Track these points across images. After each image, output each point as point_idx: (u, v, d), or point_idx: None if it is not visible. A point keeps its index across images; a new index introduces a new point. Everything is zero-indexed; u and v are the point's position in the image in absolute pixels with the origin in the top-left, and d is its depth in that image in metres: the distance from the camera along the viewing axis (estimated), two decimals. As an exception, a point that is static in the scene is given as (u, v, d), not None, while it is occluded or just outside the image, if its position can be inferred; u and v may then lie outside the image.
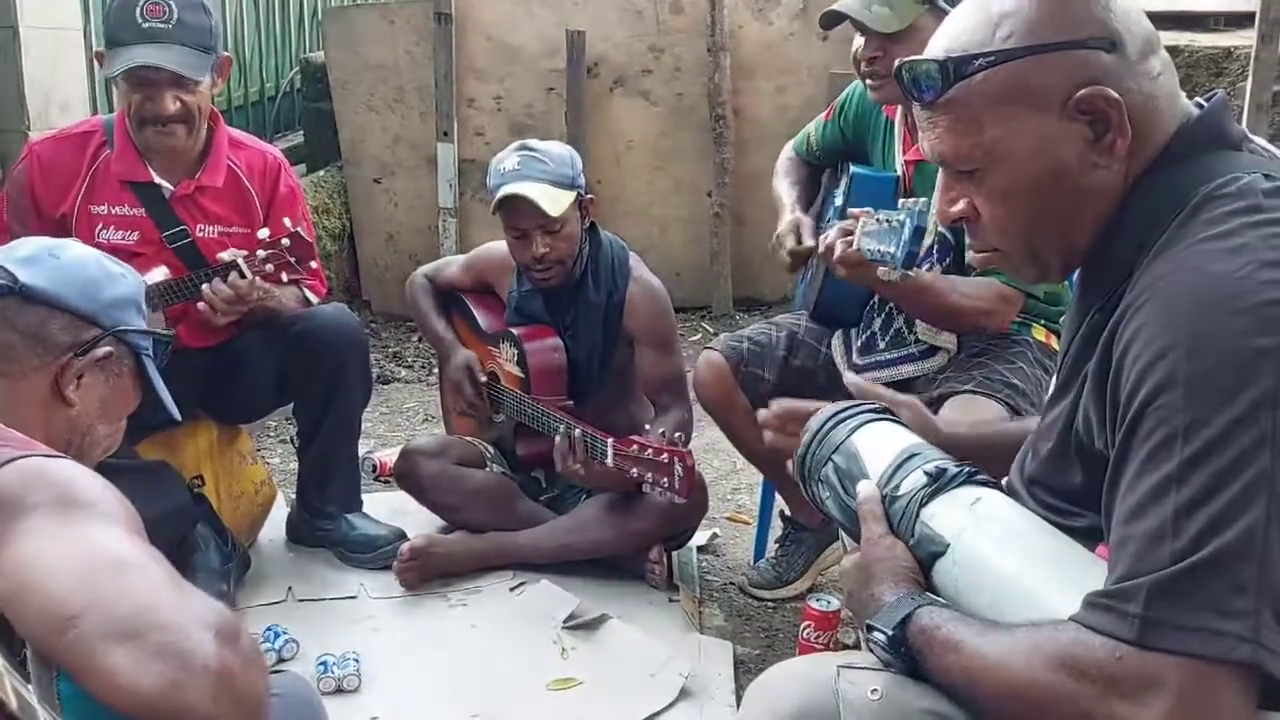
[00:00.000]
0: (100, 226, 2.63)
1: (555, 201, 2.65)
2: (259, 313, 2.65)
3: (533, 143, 2.77)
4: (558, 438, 2.61)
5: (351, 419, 2.88)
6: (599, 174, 4.92)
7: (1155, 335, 1.03)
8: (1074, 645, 1.01)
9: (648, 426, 2.58)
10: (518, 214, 2.68)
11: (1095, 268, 1.21)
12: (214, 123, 2.69)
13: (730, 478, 3.50)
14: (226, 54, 2.65)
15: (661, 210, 5.19)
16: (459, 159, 5.08)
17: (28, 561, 1.02)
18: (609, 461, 2.52)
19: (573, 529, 2.78)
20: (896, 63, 1.23)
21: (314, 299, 2.81)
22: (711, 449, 3.57)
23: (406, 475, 2.90)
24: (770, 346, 2.62)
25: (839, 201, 2.51)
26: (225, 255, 2.57)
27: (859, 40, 2.38)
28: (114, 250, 2.50)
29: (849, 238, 2.15)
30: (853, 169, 2.52)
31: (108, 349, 1.41)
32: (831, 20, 2.40)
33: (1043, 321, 2.43)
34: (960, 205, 1.24)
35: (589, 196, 2.80)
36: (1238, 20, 5.26)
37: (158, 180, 2.64)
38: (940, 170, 1.26)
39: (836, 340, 2.59)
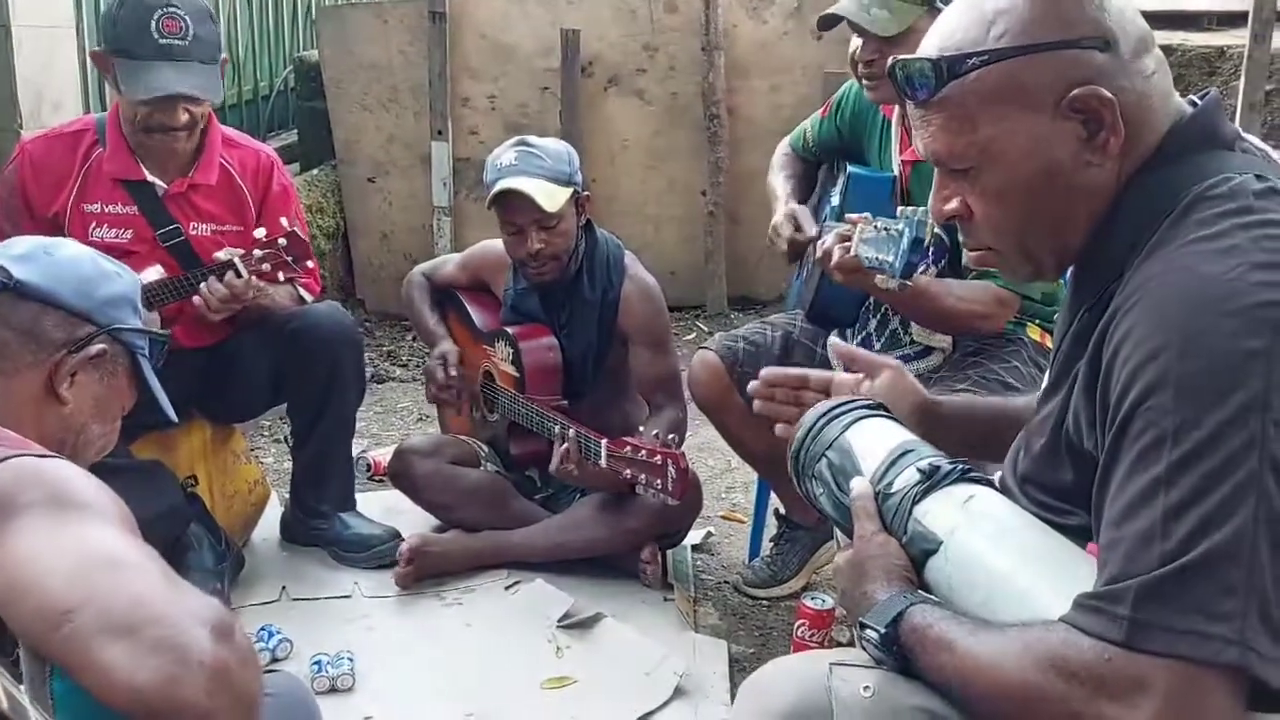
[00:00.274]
0: (93, 225, 2.63)
1: (552, 197, 2.65)
2: (253, 311, 2.65)
3: (530, 139, 2.77)
4: (557, 442, 2.61)
5: (346, 418, 2.88)
6: (594, 173, 4.92)
7: (1146, 336, 1.03)
8: (1064, 646, 1.02)
9: (641, 429, 2.58)
10: (514, 209, 2.68)
11: (1088, 266, 1.21)
12: (207, 121, 2.69)
13: (725, 476, 3.51)
14: (225, 56, 2.65)
15: (656, 209, 5.19)
16: (453, 158, 5.07)
17: (21, 560, 1.02)
18: (602, 463, 2.52)
19: (567, 528, 2.78)
20: (891, 60, 1.23)
21: (309, 298, 2.81)
22: (706, 448, 3.57)
23: (401, 474, 2.90)
24: (765, 347, 2.62)
25: (835, 201, 2.51)
26: (222, 254, 2.57)
27: (856, 42, 2.38)
28: (107, 249, 2.49)
29: (847, 244, 2.14)
30: (850, 169, 2.52)
31: (101, 346, 1.41)
32: (829, 22, 2.41)
33: (1037, 321, 2.43)
34: (954, 204, 1.24)
35: (585, 194, 2.80)
36: (1231, 20, 5.28)
37: (151, 178, 2.64)
38: (934, 169, 1.26)
39: (832, 340, 2.59)
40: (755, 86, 5.05)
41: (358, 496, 2.99)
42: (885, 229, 2.05)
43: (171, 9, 2.47)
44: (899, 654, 1.17)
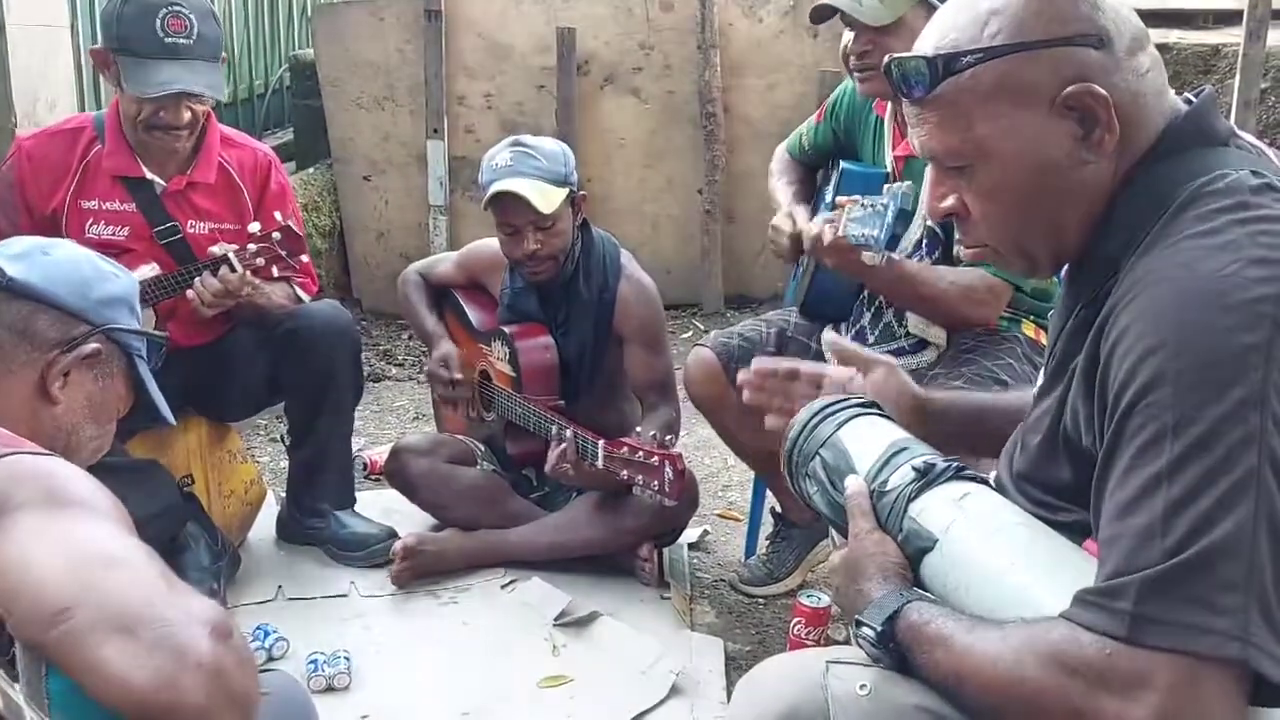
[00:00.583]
0: (90, 221, 2.63)
1: (548, 198, 2.65)
2: (249, 310, 2.65)
3: (526, 138, 2.77)
4: (553, 441, 2.61)
5: (343, 417, 2.87)
6: (590, 172, 4.92)
7: (1143, 332, 1.03)
8: (1064, 642, 1.01)
9: (638, 429, 2.58)
10: (510, 210, 2.68)
11: (1084, 263, 1.21)
12: (206, 120, 2.69)
13: (721, 475, 3.51)
14: (224, 54, 2.65)
15: (652, 208, 5.19)
16: (449, 156, 5.07)
17: (16, 558, 1.02)
18: (599, 463, 2.52)
19: (563, 527, 2.78)
20: (886, 58, 1.23)
21: (305, 297, 2.81)
22: (702, 446, 3.57)
23: (397, 473, 2.90)
24: (760, 343, 2.62)
25: (829, 197, 2.51)
26: (216, 249, 2.57)
27: (848, 35, 2.39)
28: (104, 245, 2.51)
29: (835, 224, 2.17)
30: (842, 164, 2.53)
31: (95, 346, 1.40)
32: (821, 14, 2.41)
33: (1032, 318, 2.44)
34: (950, 201, 1.24)
35: (581, 193, 2.80)
36: (1226, 18, 5.29)
37: (149, 176, 2.64)
38: (929, 166, 1.26)
39: (827, 335, 2.59)
40: (751, 85, 5.04)
41: (355, 496, 2.99)
42: (871, 205, 2.09)
43: (176, 7, 2.47)
44: (895, 651, 1.17)
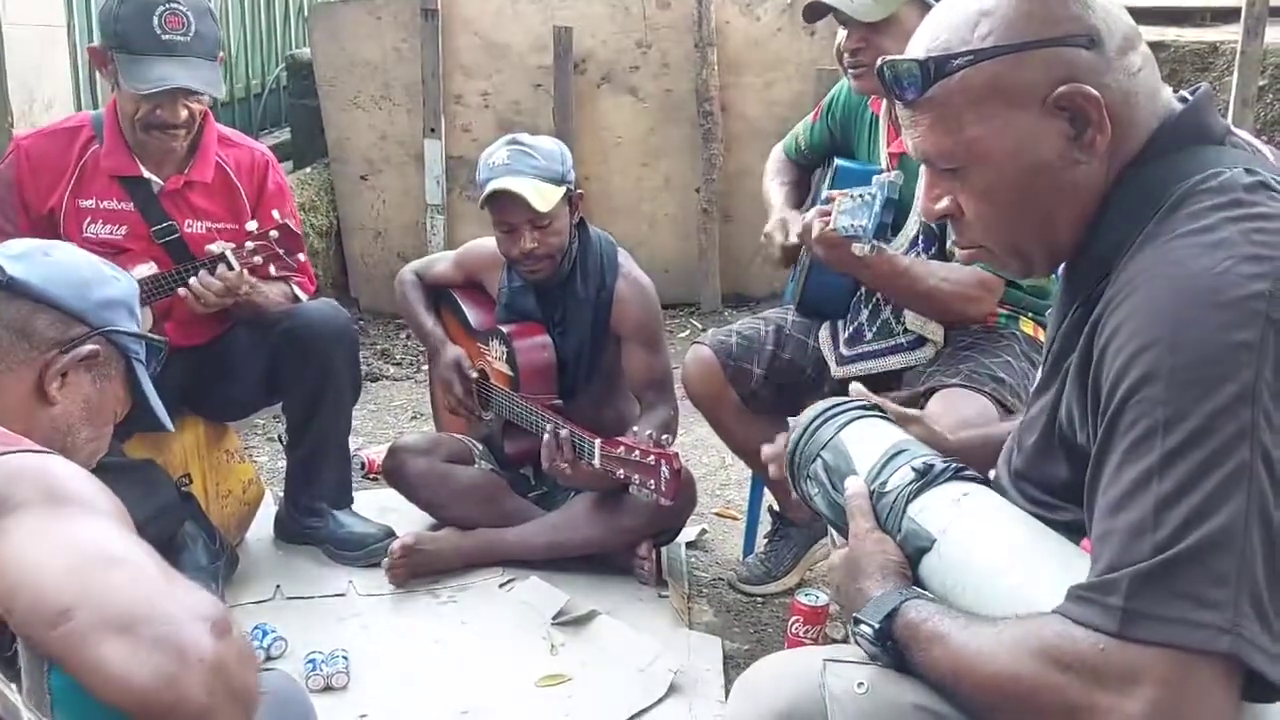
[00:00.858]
0: (88, 221, 2.63)
1: (544, 197, 2.65)
2: (246, 309, 2.65)
3: (523, 137, 2.76)
4: (545, 437, 2.61)
5: (341, 416, 2.87)
6: (587, 170, 4.92)
7: (1137, 330, 1.04)
8: (1058, 637, 1.02)
9: (634, 429, 2.58)
10: (506, 209, 2.68)
11: (1079, 262, 1.21)
12: (204, 118, 2.69)
13: (719, 473, 3.51)
14: (220, 53, 2.65)
15: (650, 207, 5.19)
16: (446, 155, 5.07)
17: (16, 557, 1.02)
18: (595, 462, 2.53)
19: (561, 526, 2.78)
20: (879, 60, 1.24)
21: (303, 296, 2.81)
22: (700, 445, 3.57)
23: (395, 472, 2.90)
24: (758, 341, 2.62)
25: (824, 195, 2.51)
26: (214, 247, 2.57)
27: (842, 33, 2.39)
28: (101, 244, 2.52)
29: (826, 218, 2.18)
30: (837, 161, 2.53)
31: (94, 348, 1.40)
32: (815, 13, 2.40)
33: (1030, 315, 2.44)
34: (944, 203, 1.24)
35: (578, 192, 2.80)
36: (1223, 15, 5.29)
37: (147, 175, 2.64)
38: (923, 168, 1.26)
39: (824, 332, 2.60)
40: (749, 83, 5.04)
41: (352, 495, 2.99)
42: (860, 196, 2.11)
43: (173, 5, 2.48)
44: (893, 649, 1.18)
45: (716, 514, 3.26)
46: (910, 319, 2.45)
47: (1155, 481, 0.99)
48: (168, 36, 2.47)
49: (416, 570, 2.74)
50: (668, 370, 2.86)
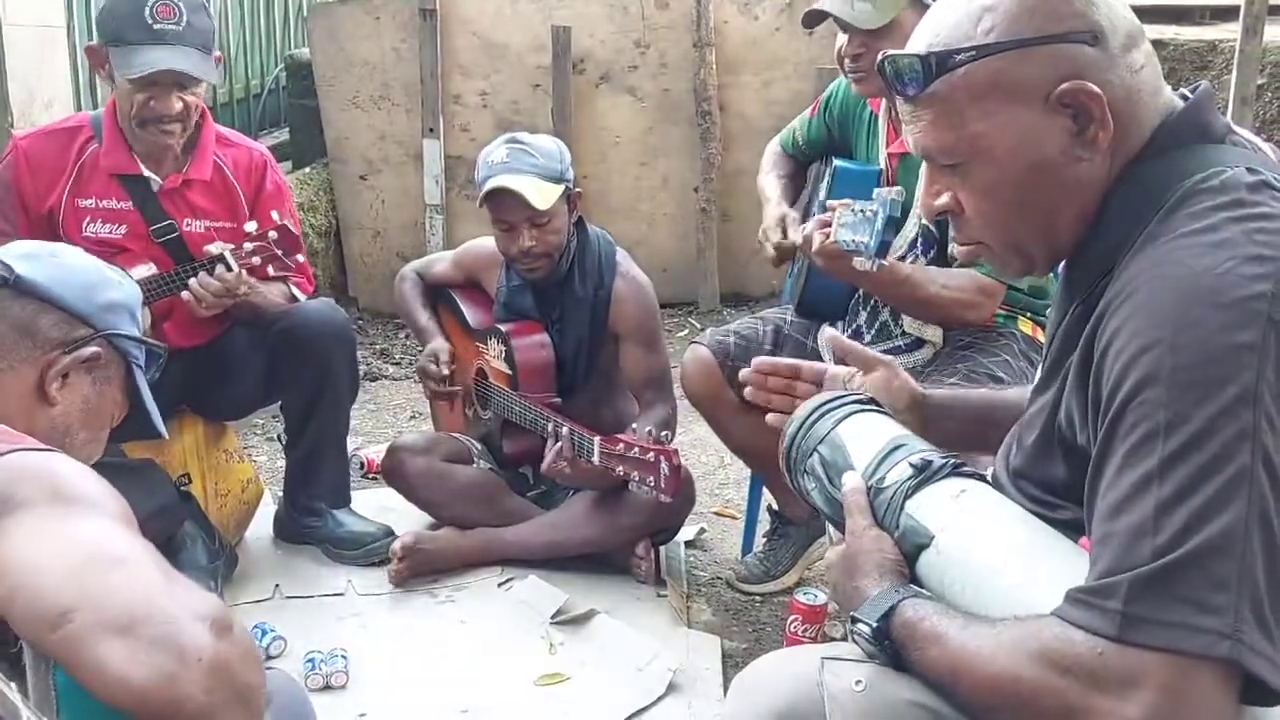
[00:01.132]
0: (87, 220, 2.63)
1: (543, 195, 2.65)
2: (245, 309, 2.65)
3: (522, 135, 2.77)
4: (549, 439, 2.61)
5: (339, 415, 2.87)
6: (585, 170, 4.92)
7: (1137, 330, 1.03)
8: (1056, 641, 1.01)
9: (634, 426, 2.58)
10: (505, 206, 2.68)
11: (1079, 261, 1.21)
12: (201, 117, 2.69)
13: (718, 473, 3.51)
14: (219, 53, 2.65)
15: (648, 206, 5.19)
16: (445, 155, 5.07)
17: (18, 557, 1.02)
18: (595, 460, 2.52)
19: (560, 525, 2.78)
20: (879, 55, 1.23)
21: (301, 296, 2.80)
22: (699, 444, 3.57)
23: (394, 472, 2.90)
24: (757, 341, 2.62)
25: (823, 195, 2.51)
26: (212, 248, 2.57)
27: (842, 37, 2.38)
28: (101, 244, 2.52)
29: (827, 229, 2.17)
30: (835, 162, 2.53)
31: (96, 350, 1.41)
32: (814, 19, 2.41)
33: (1029, 314, 2.44)
34: (944, 199, 1.24)
35: (577, 191, 2.80)
36: (1223, 14, 5.29)
37: (146, 173, 2.64)
38: (924, 164, 1.26)
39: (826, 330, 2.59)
40: (747, 83, 5.05)
41: (351, 494, 2.98)
42: (862, 211, 2.09)
43: None
44: (891, 648, 1.17)
45: (715, 513, 3.26)
46: (908, 321, 2.45)
47: (1155, 485, 0.98)
48: (159, 25, 2.47)
49: (416, 569, 2.74)
50: (666, 369, 2.86)
